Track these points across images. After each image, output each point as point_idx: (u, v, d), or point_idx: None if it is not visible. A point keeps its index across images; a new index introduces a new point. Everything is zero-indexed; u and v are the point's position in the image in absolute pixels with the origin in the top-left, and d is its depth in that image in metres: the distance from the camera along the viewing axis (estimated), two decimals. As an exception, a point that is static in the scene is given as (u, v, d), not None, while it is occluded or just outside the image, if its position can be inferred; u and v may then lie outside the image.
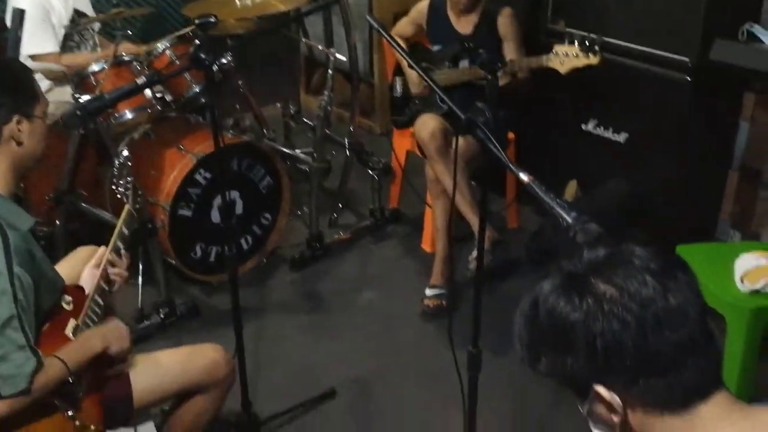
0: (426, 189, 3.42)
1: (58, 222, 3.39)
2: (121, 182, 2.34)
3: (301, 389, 2.89)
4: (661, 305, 1.04)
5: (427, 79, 1.97)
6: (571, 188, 3.60)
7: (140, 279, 3.27)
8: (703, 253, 2.79)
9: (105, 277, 2.08)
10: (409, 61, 2.09)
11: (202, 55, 2.15)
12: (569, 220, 1.46)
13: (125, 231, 2.19)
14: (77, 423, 1.92)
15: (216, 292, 3.45)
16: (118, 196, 2.35)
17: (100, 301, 2.07)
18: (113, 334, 1.99)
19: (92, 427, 1.96)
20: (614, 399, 1.08)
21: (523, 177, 1.59)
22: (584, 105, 3.52)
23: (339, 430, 2.76)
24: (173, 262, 3.35)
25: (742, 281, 2.55)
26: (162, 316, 3.23)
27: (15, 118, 1.88)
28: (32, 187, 3.36)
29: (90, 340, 1.94)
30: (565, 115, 3.61)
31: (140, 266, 3.26)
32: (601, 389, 1.08)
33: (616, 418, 1.10)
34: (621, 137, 3.41)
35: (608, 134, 3.45)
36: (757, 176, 3.32)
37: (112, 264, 2.10)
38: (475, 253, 3.28)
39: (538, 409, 2.79)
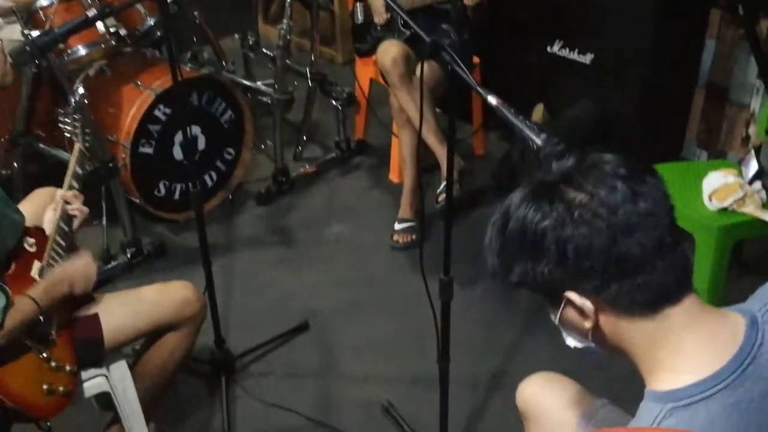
0: (391, 118, 3.37)
1: (15, 164, 3.30)
2: (68, 120, 2.26)
3: (273, 324, 2.88)
4: (630, 209, 1.05)
5: (390, 2, 1.91)
6: (538, 112, 3.58)
7: (104, 219, 3.21)
8: (670, 173, 2.79)
9: (64, 217, 2.04)
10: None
11: (155, -15, 2.06)
12: (539, 142, 1.43)
13: (78, 170, 2.16)
14: (53, 364, 1.91)
15: (183, 229, 3.40)
16: (67, 135, 2.28)
17: (62, 242, 2.03)
18: (80, 274, 1.97)
19: (67, 367, 1.94)
20: (586, 304, 1.09)
21: (492, 100, 1.56)
22: (549, 26, 3.46)
23: (313, 362, 2.76)
24: (137, 201, 3.29)
25: (710, 199, 2.57)
26: (129, 256, 3.18)
27: None
28: (-14, 129, 3.26)
29: (58, 281, 1.91)
30: (530, 37, 3.55)
31: (104, 206, 3.20)
32: (572, 295, 1.09)
33: (587, 324, 1.12)
34: (587, 58, 3.37)
35: (574, 56, 3.41)
36: (723, 94, 3.32)
37: (69, 202, 2.05)
38: (442, 186, 3.29)
39: (511, 334, 2.82)
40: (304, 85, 3.85)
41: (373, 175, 3.78)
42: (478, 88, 1.60)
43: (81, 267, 1.98)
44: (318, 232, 3.41)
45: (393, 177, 3.70)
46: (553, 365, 2.66)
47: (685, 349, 1.08)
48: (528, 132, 1.45)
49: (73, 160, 2.16)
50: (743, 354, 1.06)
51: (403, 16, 1.85)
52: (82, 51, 3.10)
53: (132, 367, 2.21)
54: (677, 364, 1.08)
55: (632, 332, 1.10)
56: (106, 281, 3.10)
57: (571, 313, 1.13)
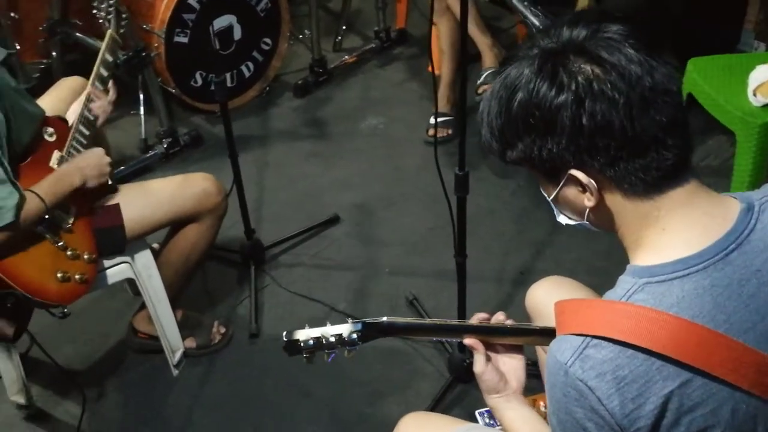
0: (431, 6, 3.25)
1: (54, 53, 3.32)
2: (102, 6, 2.23)
3: (305, 216, 2.89)
4: (647, 83, 1.00)
5: None
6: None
7: (142, 109, 3.24)
8: (718, 65, 2.64)
9: (89, 107, 2.05)
10: None
11: None
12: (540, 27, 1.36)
13: (109, 58, 2.13)
14: (68, 252, 1.95)
15: (220, 120, 3.36)
16: (100, 21, 2.25)
17: (86, 131, 2.04)
18: (91, 168, 1.98)
19: (86, 255, 1.99)
20: (591, 183, 1.05)
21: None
22: None
23: (343, 253, 2.78)
24: (174, 91, 3.28)
25: (754, 94, 2.43)
26: (165, 146, 3.21)
27: None
28: (25, 17, 3.26)
29: (67, 175, 1.93)
30: None
31: (140, 96, 3.21)
32: (578, 173, 1.04)
33: (588, 202, 1.07)
34: (638, -58, 3.17)
35: (625, -60, 3.21)
36: (785, -19, 3.11)
37: (92, 99, 2.05)
38: (483, 77, 3.19)
39: (542, 230, 2.78)
40: (344, -29, 3.74)
41: (412, 66, 3.68)
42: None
43: (93, 160, 1.99)
44: (353, 125, 3.37)
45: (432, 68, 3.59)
46: (579, 262, 2.65)
47: (672, 228, 1.05)
48: (531, 18, 1.37)
49: (103, 47, 2.12)
50: (730, 238, 1.03)
51: None
52: (115, -64, 3.04)
53: (156, 258, 2.25)
54: (662, 242, 1.05)
55: (627, 210, 1.06)
56: (142, 171, 3.14)
57: (570, 191, 1.08)
